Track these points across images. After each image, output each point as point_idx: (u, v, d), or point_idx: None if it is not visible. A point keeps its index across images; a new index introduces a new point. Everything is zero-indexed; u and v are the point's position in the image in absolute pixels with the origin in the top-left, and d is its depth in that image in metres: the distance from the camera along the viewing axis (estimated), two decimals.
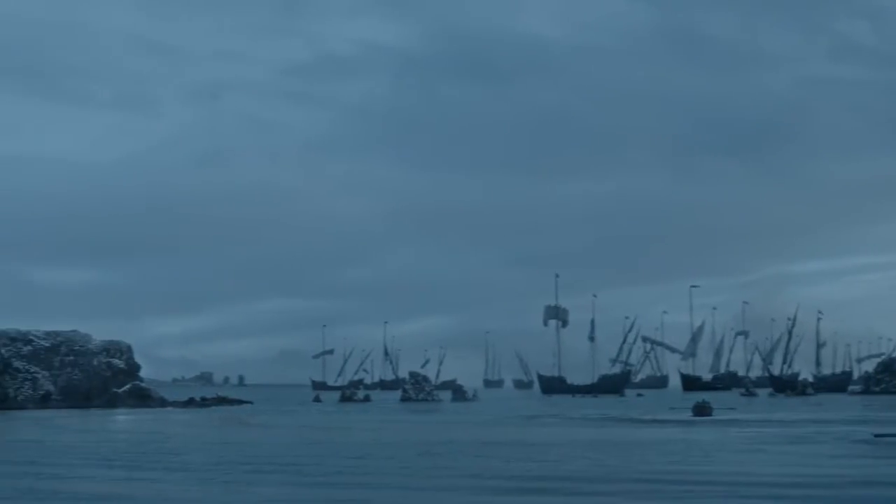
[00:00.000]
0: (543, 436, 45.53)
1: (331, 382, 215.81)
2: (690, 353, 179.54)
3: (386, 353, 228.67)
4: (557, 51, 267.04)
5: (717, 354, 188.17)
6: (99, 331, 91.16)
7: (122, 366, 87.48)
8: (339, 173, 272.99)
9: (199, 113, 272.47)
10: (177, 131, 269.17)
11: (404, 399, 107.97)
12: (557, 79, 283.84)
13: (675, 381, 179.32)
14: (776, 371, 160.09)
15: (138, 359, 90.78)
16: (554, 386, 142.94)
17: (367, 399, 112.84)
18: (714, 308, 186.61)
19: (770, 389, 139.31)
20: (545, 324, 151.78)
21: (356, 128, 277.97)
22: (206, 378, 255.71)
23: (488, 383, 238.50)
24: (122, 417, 66.86)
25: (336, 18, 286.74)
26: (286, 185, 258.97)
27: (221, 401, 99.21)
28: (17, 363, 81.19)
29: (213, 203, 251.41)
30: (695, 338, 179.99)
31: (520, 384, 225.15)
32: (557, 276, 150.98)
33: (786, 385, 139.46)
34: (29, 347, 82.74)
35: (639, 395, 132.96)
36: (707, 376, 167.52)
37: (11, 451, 36.05)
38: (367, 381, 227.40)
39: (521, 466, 28.71)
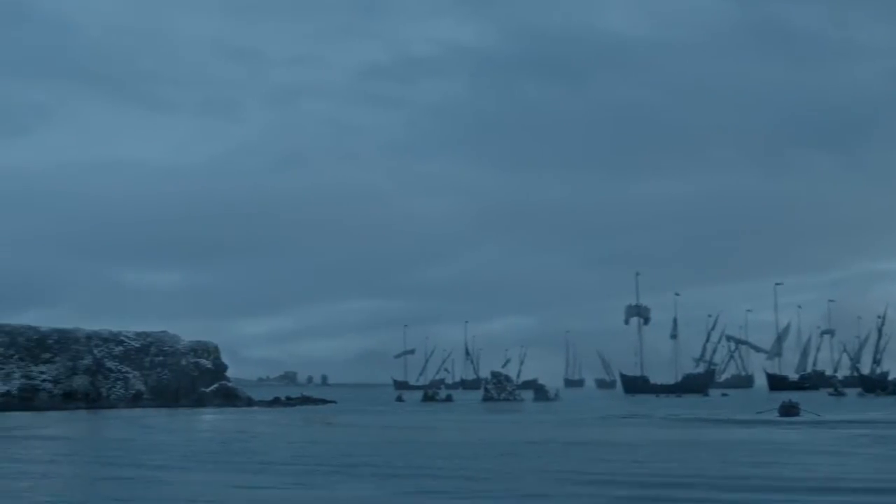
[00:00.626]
0: (630, 436, 45.06)
1: (413, 382, 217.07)
2: (776, 352, 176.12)
3: (467, 353, 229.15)
4: (639, 47, 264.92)
5: (804, 353, 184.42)
6: (186, 331, 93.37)
7: (209, 366, 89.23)
8: (419, 174, 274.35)
9: (280, 116, 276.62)
10: (258, 135, 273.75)
11: (486, 399, 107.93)
12: (639, 75, 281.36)
13: (760, 381, 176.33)
14: (865, 370, 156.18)
15: (224, 359, 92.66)
16: (637, 385, 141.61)
17: (449, 399, 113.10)
18: (799, 306, 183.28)
19: (859, 389, 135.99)
20: (626, 322, 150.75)
21: (435, 128, 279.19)
22: (290, 378, 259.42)
23: (569, 383, 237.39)
24: (210, 417, 68.10)
25: (414, 19, 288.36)
26: (366, 187, 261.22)
27: (306, 400, 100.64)
28: (109, 363, 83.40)
29: (295, 205, 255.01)
30: (780, 337, 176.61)
31: (602, 384, 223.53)
32: (638, 274, 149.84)
33: (876, 384, 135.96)
34: (120, 348, 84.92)
35: (723, 394, 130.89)
36: (794, 376, 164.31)
37: (107, 450, 37.01)
38: (448, 380, 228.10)
39: (610, 467, 28.47)
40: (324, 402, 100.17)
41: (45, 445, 39.40)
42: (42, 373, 79.65)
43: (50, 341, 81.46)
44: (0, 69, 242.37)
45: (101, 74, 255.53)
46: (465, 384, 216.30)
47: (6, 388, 77.58)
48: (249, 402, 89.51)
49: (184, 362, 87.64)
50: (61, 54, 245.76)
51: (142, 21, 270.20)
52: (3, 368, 78.38)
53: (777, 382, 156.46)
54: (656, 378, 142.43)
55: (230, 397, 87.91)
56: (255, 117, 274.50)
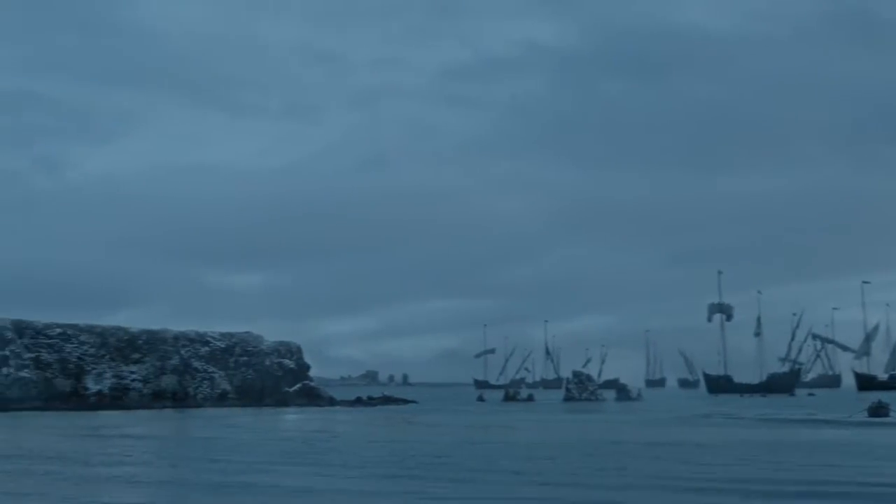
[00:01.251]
0: (716, 436, 44.28)
1: (493, 381, 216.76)
2: (864, 351, 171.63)
3: (547, 352, 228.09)
4: (721, 42, 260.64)
5: (893, 352, 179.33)
6: (270, 331, 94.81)
7: (292, 366, 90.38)
8: (499, 173, 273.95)
9: (361, 118, 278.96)
10: (340, 137, 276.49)
11: (567, 398, 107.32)
12: (722, 71, 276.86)
13: (848, 381, 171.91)
14: None
15: (307, 358, 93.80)
16: (720, 385, 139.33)
17: (530, 398, 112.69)
18: (888, 304, 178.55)
19: None
20: (709, 320, 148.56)
21: (515, 128, 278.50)
22: (371, 377, 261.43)
23: (649, 382, 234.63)
24: (293, 416, 68.93)
25: (493, 19, 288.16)
26: (446, 187, 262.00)
27: (387, 400, 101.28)
28: (196, 363, 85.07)
29: (377, 206, 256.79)
30: (869, 336, 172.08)
31: (684, 383, 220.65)
32: (720, 272, 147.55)
33: None
34: (206, 348, 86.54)
35: (810, 394, 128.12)
36: (883, 376, 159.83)
37: (196, 448, 37.72)
38: (529, 380, 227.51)
39: (695, 469, 28.01)
40: (405, 401, 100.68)
41: (137, 444, 40.30)
42: (132, 372, 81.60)
43: (139, 342, 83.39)
44: (90, 78, 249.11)
45: (186, 81, 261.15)
46: (545, 384, 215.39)
47: (98, 387, 79.67)
48: (332, 402, 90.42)
49: (267, 362, 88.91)
50: (148, 62, 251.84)
51: (226, 28, 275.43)
52: (95, 368, 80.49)
53: (866, 382, 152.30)
54: (740, 377, 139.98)
55: (313, 397, 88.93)
56: (337, 120, 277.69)
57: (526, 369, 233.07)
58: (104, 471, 28.26)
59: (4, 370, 76.30)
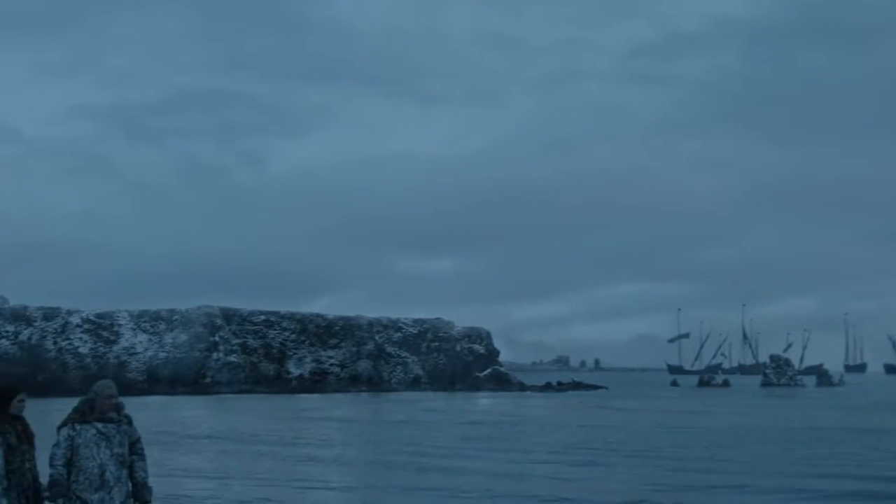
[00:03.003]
0: None
1: (687, 367, 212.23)
2: None
3: (745, 337, 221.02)
4: None
5: None
6: (460, 317, 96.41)
7: (482, 351, 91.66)
8: (689, 153, 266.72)
9: (545, 102, 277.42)
10: (524, 121, 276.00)
11: (765, 384, 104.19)
12: None
13: None
14: None
15: (497, 343, 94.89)
16: None
17: (725, 384, 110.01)
18: None
19: None
20: None
21: (706, 105, 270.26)
22: (562, 362, 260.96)
23: (849, 368, 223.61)
24: (485, 401, 69.94)
25: None
26: (635, 168, 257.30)
27: (577, 385, 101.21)
28: (389, 349, 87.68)
29: (564, 189, 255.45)
30: None
31: (890, 369, 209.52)
32: None
33: None
34: (399, 334, 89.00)
35: None
36: None
37: (393, 430, 39.04)
38: (725, 365, 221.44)
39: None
40: (595, 387, 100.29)
41: (338, 426, 42.06)
42: (330, 357, 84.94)
43: (336, 328, 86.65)
44: (287, 75, 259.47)
45: (377, 74, 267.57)
46: (742, 369, 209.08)
47: (299, 371, 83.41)
48: (521, 387, 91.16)
49: (458, 348, 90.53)
50: (341, 58, 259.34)
51: (410, 20, 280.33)
52: (296, 353, 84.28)
53: None
54: None
55: (503, 382, 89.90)
56: (521, 104, 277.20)
57: (722, 354, 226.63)
58: (310, 451, 29.68)
59: (214, 355, 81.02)
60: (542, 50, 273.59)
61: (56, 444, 7.70)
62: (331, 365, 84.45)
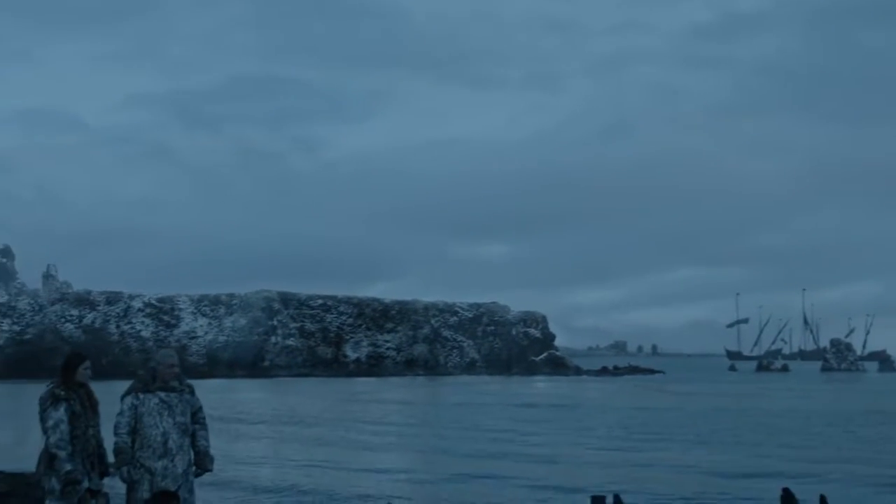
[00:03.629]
0: None
1: (746, 352, 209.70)
2: None
3: (805, 322, 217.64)
4: None
5: None
6: (516, 301, 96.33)
7: (537, 335, 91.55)
8: (749, 135, 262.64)
9: (603, 85, 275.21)
10: (582, 105, 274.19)
11: (825, 369, 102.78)
12: None
13: None
14: None
15: (554, 328, 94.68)
16: None
17: (784, 368, 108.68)
18: None
19: None
20: None
21: (765, 86, 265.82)
22: (619, 347, 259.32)
23: None
24: (541, 384, 69.90)
25: None
26: (694, 151, 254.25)
27: (634, 370, 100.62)
28: (445, 333, 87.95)
29: (622, 173, 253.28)
30: None
31: None
32: None
33: None
34: (455, 318, 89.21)
35: None
36: None
37: (450, 413, 39.25)
38: (785, 351, 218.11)
39: None
40: (652, 371, 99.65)
41: (395, 409, 42.36)
42: (387, 341, 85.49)
43: (393, 312, 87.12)
44: (340, 60, 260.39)
45: (430, 58, 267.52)
46: (803, 355, 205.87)
47: (356, 355, 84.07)
48: (577, 371, 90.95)
49: (514, 332, 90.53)
50: (395, 42, 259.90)
51: (466, 4, 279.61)
52: (353, 337, 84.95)
53: None
54: None
55: (558, 366, 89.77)
56: (579, 87, 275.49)
57: (782, 340, 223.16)
58: (367, 436, 29.91)
59: (273, 339, 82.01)
60: (598, 32, 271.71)
61: (120, 413, 7.88)
62: (387, 349, 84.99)
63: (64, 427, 7.41)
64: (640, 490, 16.73)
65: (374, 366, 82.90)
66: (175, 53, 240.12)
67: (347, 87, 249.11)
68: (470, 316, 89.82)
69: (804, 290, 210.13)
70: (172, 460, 7.85)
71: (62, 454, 7.36)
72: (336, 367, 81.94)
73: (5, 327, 76.62)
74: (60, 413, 7.44)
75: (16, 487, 13.63)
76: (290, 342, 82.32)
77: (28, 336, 75.85)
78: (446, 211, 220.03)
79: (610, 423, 33.64)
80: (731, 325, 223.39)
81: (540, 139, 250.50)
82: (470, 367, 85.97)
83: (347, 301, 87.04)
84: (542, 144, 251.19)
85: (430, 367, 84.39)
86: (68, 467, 7.34)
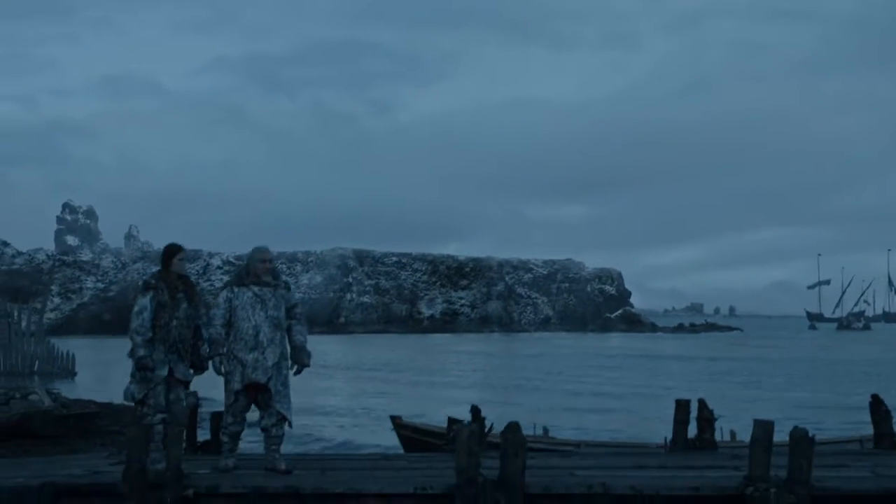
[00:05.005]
0: None
1: (827, 314, 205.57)
2: None
3: (890, 283, 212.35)
4: None
5: None
6: (591, 261, 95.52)
7: (612, 292, 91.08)
8: (834, 92, 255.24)
9: (681, 42, 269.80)
10: (659, 64, 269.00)
11: None
12: None
13: None
14: None
15: (630, 289, 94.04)
16: None
17: (866, 328, 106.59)
18: None
19: None
20: None
21: (851, 42, 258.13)
22: (696, 309, 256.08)
23: None
24: (616, 340, 69.62)
25: None
26: (776, 109, 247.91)
27: (710, 327, 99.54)
28: (519, 290, 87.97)
29: (701, 132, 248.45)
30: None
31: None
32: None
33: None
34: (529, 275, 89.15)
35: None
36: None
37: (523, 361, 39.43)
38: (868, 313, 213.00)
39: None
40: (729, 328, 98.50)
41: (468, 358, 42.68)
42: (461, 298, 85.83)
43: (466, 269, 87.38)
44: (416, 22, 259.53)
45: (506, 18, 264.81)
46: (887, 317, 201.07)
47: (430, 311, 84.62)
48: (653, 328, 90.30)
49: (588, 288, 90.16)
50: (468, 4, 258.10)
51: None
52: (427, 294, 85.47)
53: None
54: None
55: (634, 323, 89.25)
56: (656, 45, 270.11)
57: (865, 301, 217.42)
58: (443, 377, 30.26)
59: (348, 296, 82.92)
60: None
61: (216, 306, 8.02)
62: (461, 305, 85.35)
63: (147, 315, 7.54)
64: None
65: (448, 322, 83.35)
66: (253, 18, 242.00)
67: (423, 48, 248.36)
68: (544, 273, 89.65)
69: (889, 250, 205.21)
70: (263, 353, 7.92)
71: (137, 339, 7.50)
72: (411, 323, 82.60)
73: (90, 285, 78.79)
74: (146, 301, 7.59)
75: (105, 409, 16.20)
76: (364, 299, 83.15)
77: (111, 293, 77.85)
78: (522, 172, 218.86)
79: (695, 369, 33.46)
80: (812, 287, 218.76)
81: (617, 99, 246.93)
82: (544, 324, 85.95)
83: (422, 258, 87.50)
84: (619, 104, 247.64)
85: (505, 324, 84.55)
86: (141, 353, 7.47)
